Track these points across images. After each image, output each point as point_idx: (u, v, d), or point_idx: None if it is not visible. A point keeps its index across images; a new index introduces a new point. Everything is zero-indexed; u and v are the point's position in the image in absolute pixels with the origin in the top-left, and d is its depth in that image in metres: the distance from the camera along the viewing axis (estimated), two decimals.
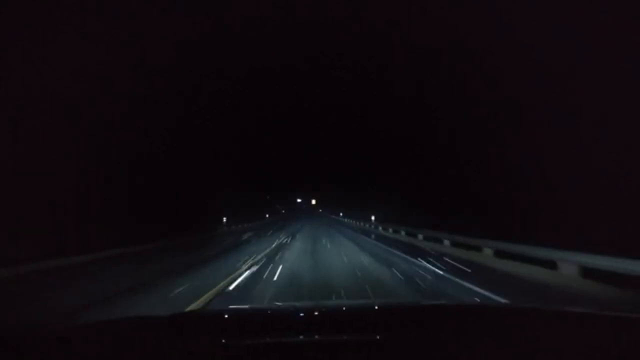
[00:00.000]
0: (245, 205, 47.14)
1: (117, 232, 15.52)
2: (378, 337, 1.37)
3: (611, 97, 15.93)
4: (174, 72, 23.37)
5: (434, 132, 33.83)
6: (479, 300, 6.46)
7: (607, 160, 15.82)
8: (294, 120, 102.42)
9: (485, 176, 24.26)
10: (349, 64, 52.68)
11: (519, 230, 13.78)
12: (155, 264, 11.92)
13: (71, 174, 15.38)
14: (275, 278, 9.13)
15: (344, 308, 2.39)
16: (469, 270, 10.04)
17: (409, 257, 13.26)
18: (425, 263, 11.75)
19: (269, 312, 2.28)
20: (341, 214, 73.55)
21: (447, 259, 12.54)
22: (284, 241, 21.13)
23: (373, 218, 39.10)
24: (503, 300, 6.47)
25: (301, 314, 2.08)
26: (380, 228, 32.15)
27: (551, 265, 8.59)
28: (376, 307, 2.35)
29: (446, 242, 16.36)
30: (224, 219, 35.02)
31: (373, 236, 25.97)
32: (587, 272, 7.69)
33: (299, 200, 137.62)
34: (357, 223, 42.91)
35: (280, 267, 10.87)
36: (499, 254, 11.42)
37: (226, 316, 2.11)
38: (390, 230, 27.66)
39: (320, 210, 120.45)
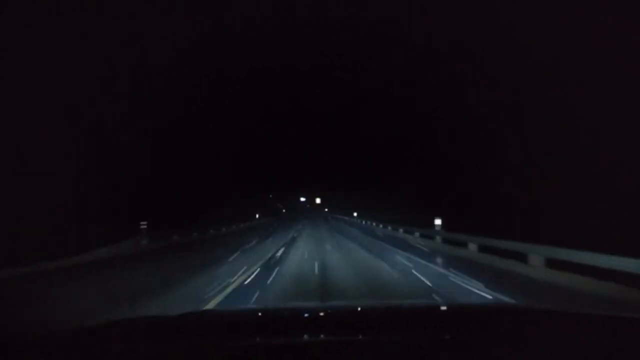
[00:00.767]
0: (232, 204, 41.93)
1: (117, 232, 15.53)
2: (382, 339, 1.38)
3: (611, 97, 15.94)
4: (174, 72, 23.40)
5: (434, 132, 33.92)
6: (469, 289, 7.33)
7: (607, 160, 15.84)
8: (294, 120, 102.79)
9: (485, 176, 24.28)
10: (349, 64, 52.83)
11: (519, 228, 13.82)
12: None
13: (71, 174, 15.39)
14: None
15: (349, 309, 2.39)
16: (457, 264, 10.93)
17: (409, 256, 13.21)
18: (405, 258, 12.15)
19: (274, 312, 2.29)
20: (355, 214, 55.60)
21: (438, 257, 13.09)
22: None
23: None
24: (481, 284, 7.76)
25: (306, 315, 2.08)
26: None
27: (524, 258, 10.08)
28: (381, 308, 2.35)
29: (437, 239, 17.30)
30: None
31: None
32: (552, 263, 8.96)
33: (302, 199, 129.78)
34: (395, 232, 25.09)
35: None
36: (482, 249, 12.70)
37: (232, 316, 2.12)
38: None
39: (326, 210, 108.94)
